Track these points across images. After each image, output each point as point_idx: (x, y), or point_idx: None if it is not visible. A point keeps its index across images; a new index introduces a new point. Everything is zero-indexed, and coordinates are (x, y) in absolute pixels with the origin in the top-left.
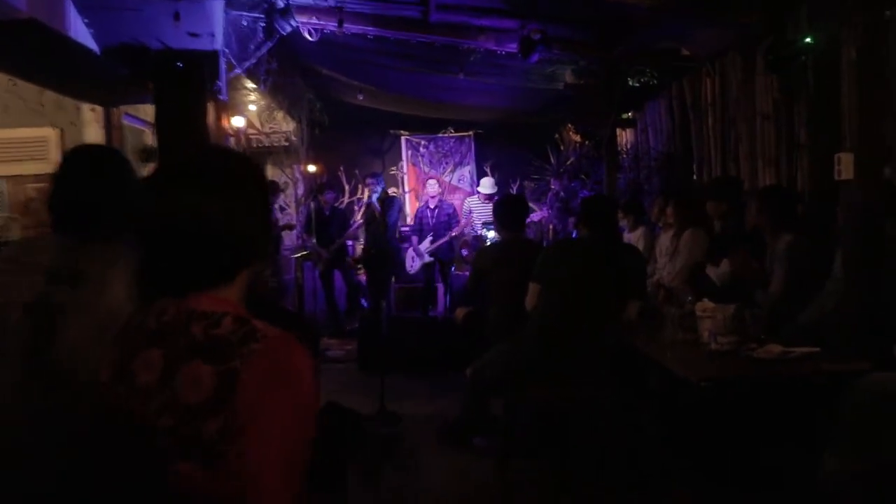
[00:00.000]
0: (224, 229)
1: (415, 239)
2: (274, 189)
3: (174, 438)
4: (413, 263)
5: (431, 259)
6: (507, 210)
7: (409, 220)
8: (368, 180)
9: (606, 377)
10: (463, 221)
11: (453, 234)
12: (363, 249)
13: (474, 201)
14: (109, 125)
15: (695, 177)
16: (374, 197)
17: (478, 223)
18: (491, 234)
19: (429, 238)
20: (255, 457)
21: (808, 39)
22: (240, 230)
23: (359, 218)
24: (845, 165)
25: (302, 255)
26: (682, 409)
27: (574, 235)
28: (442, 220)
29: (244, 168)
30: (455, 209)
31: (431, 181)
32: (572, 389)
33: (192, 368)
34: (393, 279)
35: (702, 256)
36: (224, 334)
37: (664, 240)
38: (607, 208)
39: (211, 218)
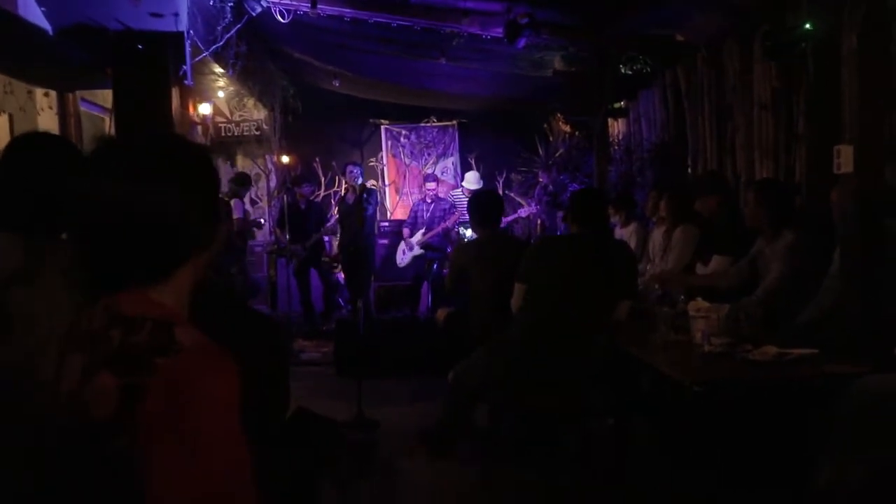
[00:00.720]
0: (151, 219)
1: (406, 231)
2: (245, 181)
3: (88, 454)
4: (403, 256)
5: (422, 251)
6: (480, 207)
7: (389, 215)
8: (349, 168)
9: (595, 381)
10: (457, 214)
11: (447, 224)
12: (339, 246)
13: (458, 195)
14: (64, 112)
15: (689, 169)
16: (357, 183)
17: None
18: (468, 233)
19: (421, 231)
20: (159, 492)
21: (807, 26)
22: (172, 220)
23: (335, 212)
24: (845, 158)
25: (275, 252)
26: (674, 413)
27: (562, 231)
28: (437, 216)
29: (177, 150)
30: (452, 205)
31: (430, 183)
32: (559, 394)
33: (101, 379)
34: (372, 278)
35: (691, 253)
36: (138, 343)
37: (657, 236)
38: (597, 203)
39: (135, 206)
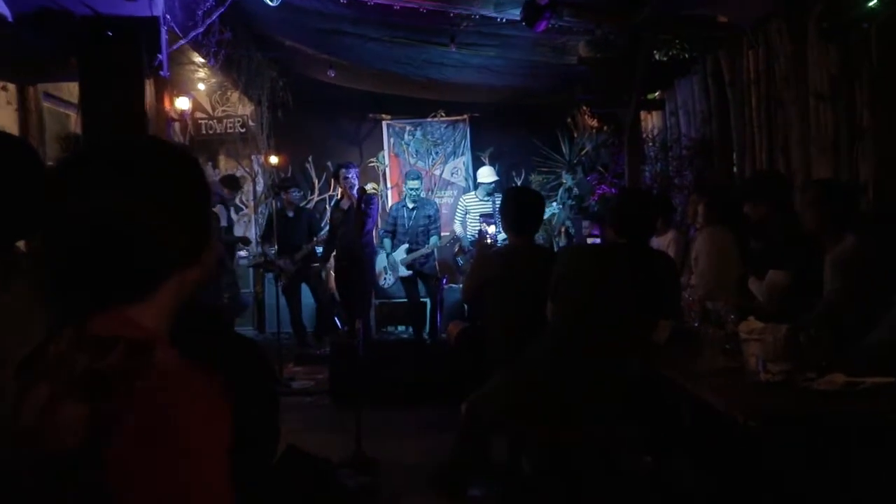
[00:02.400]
0: (126, 234)
1: (387, 242)
2: (234, 184)
3: (54, 491)
4: (386, 277)
5: (410, 273)
6: (519, 208)
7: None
8: (345, 170)
9: (630, 414)
10: (457, 229)
11: (438, 245)
12: (335, 259)
13: (471, 199)
14: (25, 108)
15: (735, 169)
16: (354, 191)
17: (477, 224)
18: (492, 230)
19: (404, 247)
20: None
21: (871, 3)
22: (151, 232)
23: (329, 219)
24: None
25: (262, 266)
26: (722, 452)
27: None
28: (420, 224)
29: (155, 155)
30: (437, 209)
31: (413, 180)
32: (589, 428)
33: (66, 408)
34: (373, 294)
35: (729, 261)
36: (107, 367)
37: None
38: (643, 208)
39: (109, 219)
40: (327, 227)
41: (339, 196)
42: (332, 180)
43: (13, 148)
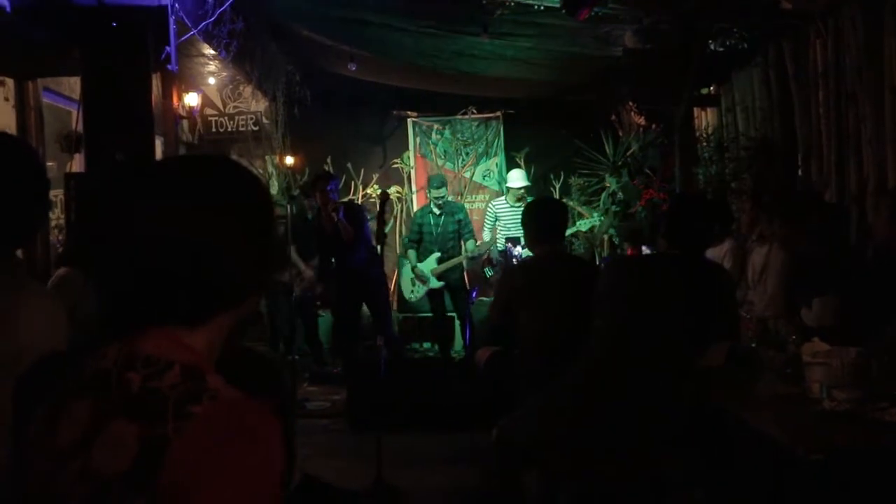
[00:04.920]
0: (201, 255)
1: (412, 254)
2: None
3: None
4: (414, 289)
5: (441, 284)
6: (536, 218)
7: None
8: (325, 185)
9: (679, 443)
10: (486, 237)
11: (470, 255)
12: (338, 283)
13: (501, 205)
14: (23, 104)
15: (800, 172)
16: (341, 213)
17: (506, 232)
18: (518, 251)
19: (434, 256)
20: None
21: None
22: (225, 258)
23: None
24: None
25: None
26: (782, 488)
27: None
28: (450, 231)
29: (236, 176)
30: (466, 212)
31: (439, 189)
32: (632, 459)
33: (116, 427)
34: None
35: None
36: (163, 388)
37: (758, 257)
38: (699, 215)
39: (183, 240)
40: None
41: (317, 211)
42: (353, 183)
43: (11, 146)
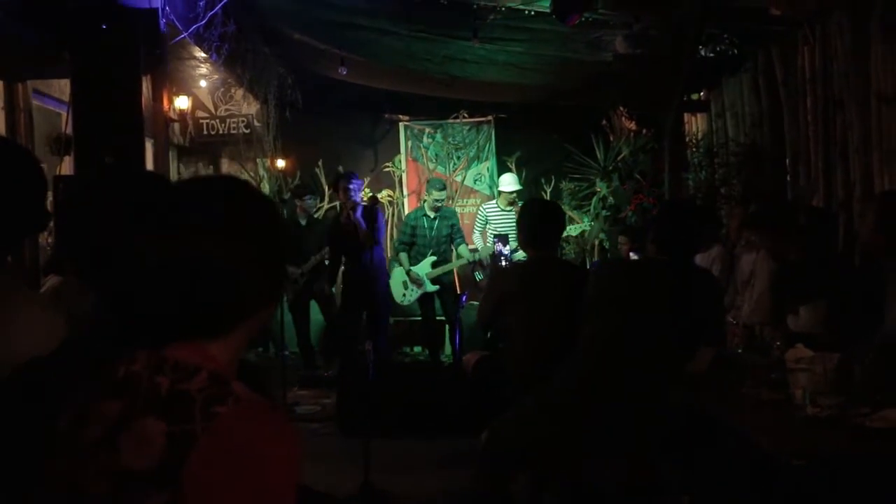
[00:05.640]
0: (219, 274)
1: (404, 258)
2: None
3: None
4: (407, 293)
5: (437, 287)
6: (536, 220)
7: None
8: (345, 183)
9: (666, 448)
10: (476, 241)
11: (471, 259)
12: (343, 273)
13: (492, 209)
14: (12, 105)
15: (788, 177)
16: (359, 212)
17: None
18: (507, 250)
19: (428, 260)
20: None
21: None
22: (242, 275)
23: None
24: None
25: None
26: (766, 492)
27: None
28: (444, 234)
29: (248, 197)
30: (457, 216)
31: (439, 191)
32: (619, 464)
33: (144, 425)
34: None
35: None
36: (191, 391)
37: (746, 263)
38: (689, 222)
39: (202, 260)
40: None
41: (340, 209)
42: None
43: (7, 154)
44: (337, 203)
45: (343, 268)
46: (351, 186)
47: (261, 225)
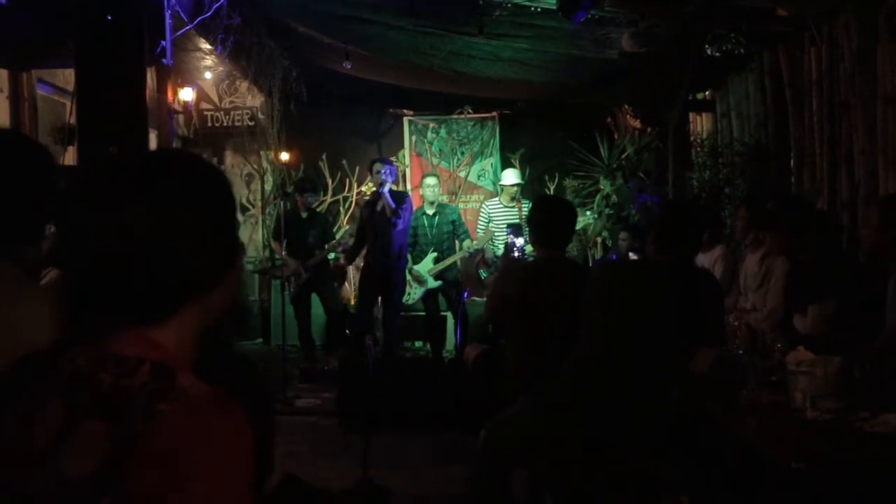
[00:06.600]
0: (149, 248)
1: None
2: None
3: None
4: (411, 290)
5: (439, 283)
6: (548, 218)
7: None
8: (378, 167)
9: (665, 449)
10: (482, 233)
11: (468, 250)
12: (364, 258)
13: (495, 205)
14: (17, 96)
15: (793, 178)
16: (386, 189)
17: (502, 234)
18: (520, 242)
19: (430, 256)
20: None
21: None
22: (175, 250)
23: (345, 221)
24: None
25: (269, 272)
26: (766, 495)
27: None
28: (445, 231)
29: (186, 168)
30: (459, 214)
31: (430, 177)
32: (619, 463)
33: (87, 429)
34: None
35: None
36: (133, 387)
37: (750, 263)
38: (689, 223)
39: (131, 232)
40: (346, 229)
41: (369, 196)
42: (347, 180)
43: (7, 141)
44: (342, 195)
45: (365, 249)
46: (382, 169)
47: (205, 196)
